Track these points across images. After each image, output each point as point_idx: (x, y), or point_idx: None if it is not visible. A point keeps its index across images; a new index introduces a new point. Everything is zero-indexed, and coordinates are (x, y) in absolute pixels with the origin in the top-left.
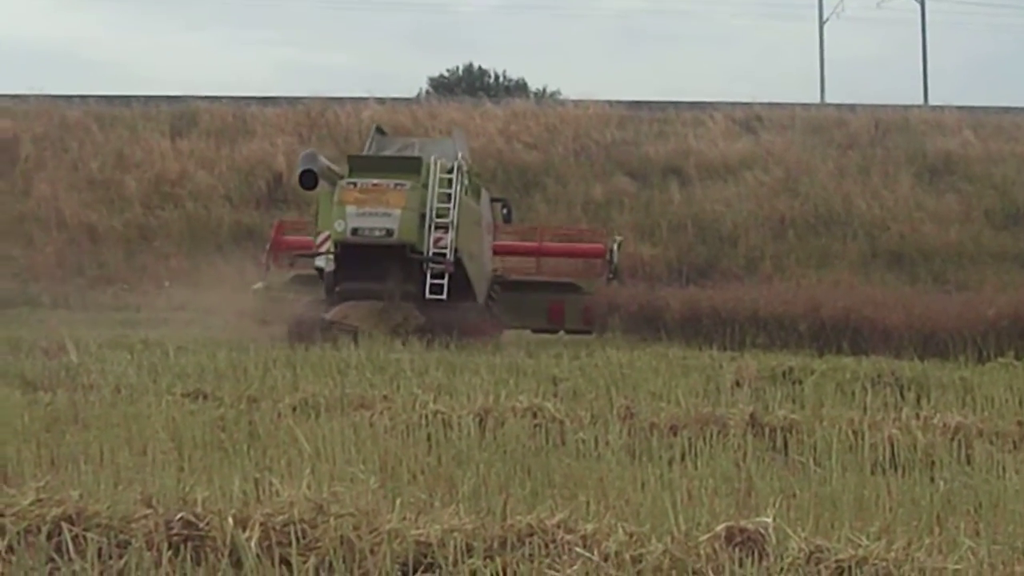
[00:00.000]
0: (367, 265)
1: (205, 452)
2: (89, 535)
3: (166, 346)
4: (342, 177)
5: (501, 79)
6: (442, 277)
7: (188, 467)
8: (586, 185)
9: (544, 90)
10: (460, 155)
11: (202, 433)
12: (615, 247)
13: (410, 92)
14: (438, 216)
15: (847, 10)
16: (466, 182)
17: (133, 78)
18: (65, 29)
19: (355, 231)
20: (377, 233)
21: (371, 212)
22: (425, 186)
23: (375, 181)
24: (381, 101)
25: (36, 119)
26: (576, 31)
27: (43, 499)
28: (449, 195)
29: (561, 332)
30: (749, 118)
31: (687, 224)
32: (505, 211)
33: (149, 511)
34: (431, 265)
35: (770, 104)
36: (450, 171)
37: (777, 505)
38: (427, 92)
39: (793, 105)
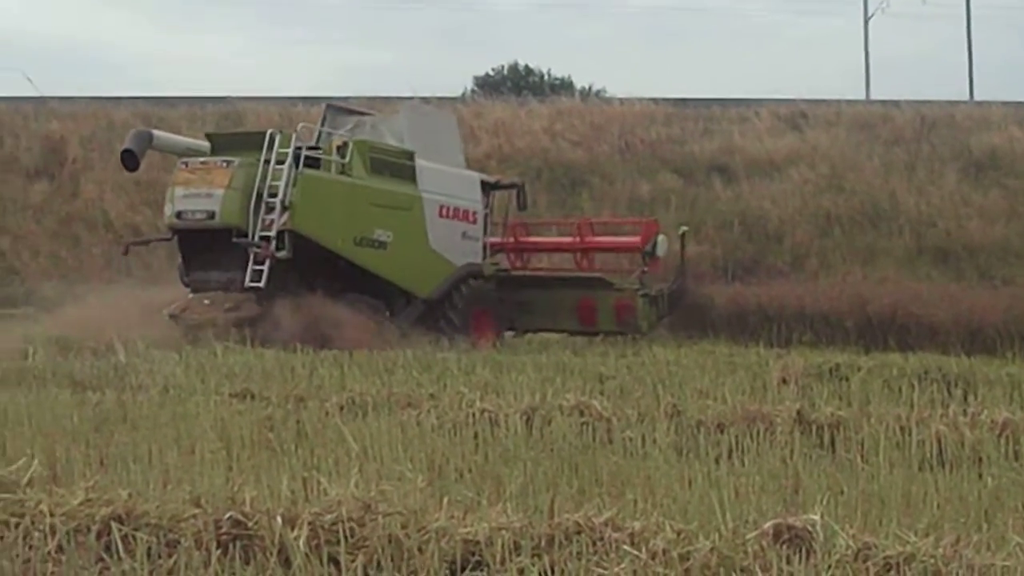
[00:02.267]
0: (213, 253)
1: (253, 451)
2: (138, 534)
3: (213, 346)
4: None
5: (546, 77)
6: (263, 264)
7: (236, 467)
8: (632, 183)
9: (590, 88)
10: (406, 136)
11: (250, 433)
12: (659, 239)
13: (454, 91)
14: (269, 196)
15: (892, 5)
16: (346, 160)
17: (181, 80)
18: (111, 30)
19: (179, 215)
20: (199, 216)
21: (195, 193)
22: (266, 162)
23: (204, 160)
24: (427, 100)
25: (83, 121)
26: (605, 29)
27: (92, 499)
28: (286, 172)
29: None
30: (794, 115)
31: (733, 221)
32: (520, 197)
33: (198, 510)
34: (253, 251)
35: (815, 101)
36: (288, 145)
37: (824, 502)
38: (472, 91)
39: (838, 101)
